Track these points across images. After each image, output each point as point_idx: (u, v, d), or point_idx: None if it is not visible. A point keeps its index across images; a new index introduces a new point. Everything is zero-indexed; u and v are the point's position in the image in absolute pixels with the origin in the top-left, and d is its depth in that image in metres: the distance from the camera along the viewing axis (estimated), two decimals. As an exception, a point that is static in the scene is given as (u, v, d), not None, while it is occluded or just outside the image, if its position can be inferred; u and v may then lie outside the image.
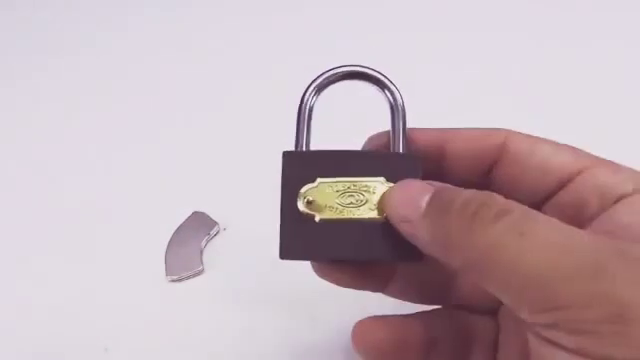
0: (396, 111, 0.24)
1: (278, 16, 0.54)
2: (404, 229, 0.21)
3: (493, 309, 0.25)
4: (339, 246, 0.23)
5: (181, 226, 0.36)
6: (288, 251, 0.23)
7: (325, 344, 0.31)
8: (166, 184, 0.39)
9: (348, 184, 0.23)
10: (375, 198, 0.23)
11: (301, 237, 0.23)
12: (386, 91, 0.25)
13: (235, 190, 0.38)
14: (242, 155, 0.41)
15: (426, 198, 0.20)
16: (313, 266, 0.25)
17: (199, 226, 0.36)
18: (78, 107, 0.47)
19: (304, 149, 0.24)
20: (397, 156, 0.24)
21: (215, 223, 0.36)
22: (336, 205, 0.23)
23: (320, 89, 0.25)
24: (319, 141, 0.25)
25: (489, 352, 0.25)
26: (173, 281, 0.34)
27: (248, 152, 0.41)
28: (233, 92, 0.47)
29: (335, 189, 0.23)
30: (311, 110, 0.25)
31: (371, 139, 0.25)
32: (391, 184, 0.23)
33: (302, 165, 0.23)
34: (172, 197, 0.38)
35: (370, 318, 0.24)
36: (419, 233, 0.20)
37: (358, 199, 0.23)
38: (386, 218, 0.22)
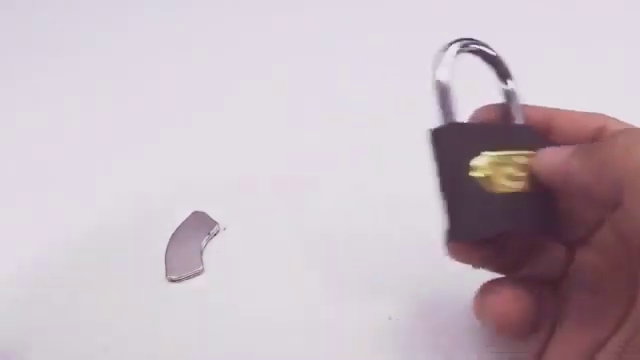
0: (510, 84, 0.25)
1: (278, 16, 0.54)
2: (555, 168, 0.22)
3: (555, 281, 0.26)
4: (515, 218, 0.23)
5: (181, 226, 0.36)
6: (464, 230, 0.22)
7: (326, 344, 0.31)
8: (166, 184, 0.39)
9: (509, 156, 0.23)
10: (528, 170, 0.23)
11: (480, 212, 0.22)
12: (497, 64, 0.26)
13: (235, 190, 0.38)
14: (242, 155, 0.41)
15: (571, 147, 0.22)
16: (449, 246, 0.24)
17: (199, 226, 0.36)
18: (78, 107, 0.47)
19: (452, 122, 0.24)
20: (538, 132, 0.25)
21: (215, 223, 0.36)
22: (505, 178, 0.23)
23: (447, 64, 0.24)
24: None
25: (551, 323, 0.25)
26: (173, 281, 0.34)
27: (248, 152, 0.41)
28: (233, 92, 0.47)
29: (501, 161, 0.23)
30: (448, 83, 0.24)
31: (479, 112, 0.26)
32: None
33: (467, 138, 0.23)
34: (172, 197, 0.38)
35: (502, 289, 0.24)
36: (571, 163, 0.22)
37: (517, 171, 0.23)
38: (541, 190, 0.23)
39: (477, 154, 0.23)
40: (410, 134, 0.40)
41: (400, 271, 0.33)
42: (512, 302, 0.24)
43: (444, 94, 0.23)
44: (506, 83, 0.26)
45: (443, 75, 0.24)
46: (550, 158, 0.23)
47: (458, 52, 0.24)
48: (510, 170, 0.23)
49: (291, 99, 0.43)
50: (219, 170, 0.40)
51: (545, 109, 0.26)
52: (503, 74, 0.26)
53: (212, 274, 0.34)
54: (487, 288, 0.25)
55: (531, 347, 0.25)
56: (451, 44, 0.24)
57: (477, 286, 0.26)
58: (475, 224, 0.22)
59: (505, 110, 0.26)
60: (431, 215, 0.34)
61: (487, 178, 0.22)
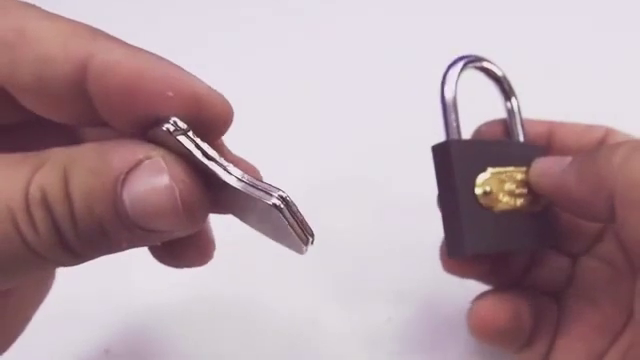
0: (514, 102, 0.26)
1: (277, 16, 0.54)
2: (550, 179, 0.22)
3: (556, 292, 0.26)
4: (515, 237, 0.23)
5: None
6: (472, 245, 0.22)
7: (326, 344, 0.31)
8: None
9: (510, 173, 0.23)
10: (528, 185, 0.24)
11: (482, 229, 0.23)
12: (502, 82, 0.26)
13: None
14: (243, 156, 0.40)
15: (568, 159, 0.22)
16: (444, 261, 0.25)
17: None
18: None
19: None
20: (539, 148, 0.25)
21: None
22: (506, 195, 0.23)
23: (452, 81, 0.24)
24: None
25: (552, 334, 0.25)
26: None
27: (249, 153, 0.41)
28: (233, 92, 0.47)
29: (503, 178, 0.23)
30: (455, 100, 0.24)
31: (483, 127, 0.26)
32: None
33: (472, 155, 0.23)
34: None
35: (488, 299, 0.24)
36: (567, 177, 0.21)
37: (518, 188, 0.23)
38: (543, 207, 0.24)
39: (482, 170, 0.23)
40: (410, 136, 0.40)
41: (400, 272, 0.33)
42: (493, 310, 0.24)
43: (449, 111, 0.24)
44: (510, 100, 0.26)
45: (449, 92, 0.24)
46: (545, 168, 0.23)
47: (463, 68, 0.24)
48: (511, 186, 0.23)
49: (290, 99, 0.43)
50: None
51: (546, 122, 0.26)
52: (507, 92, 0.26)
53: (214, 277, 0.34)
54: (479, 296, 0.25)
55: (533, 356, 0.25)
56: (457, 61, 0.24)
57: (477, 287, 0.26)
58: (473, 241, 0.22)
59: (508, 125, 0.26)
60: (431, 218, 0.34)
61: (488, 194, 0.23)
